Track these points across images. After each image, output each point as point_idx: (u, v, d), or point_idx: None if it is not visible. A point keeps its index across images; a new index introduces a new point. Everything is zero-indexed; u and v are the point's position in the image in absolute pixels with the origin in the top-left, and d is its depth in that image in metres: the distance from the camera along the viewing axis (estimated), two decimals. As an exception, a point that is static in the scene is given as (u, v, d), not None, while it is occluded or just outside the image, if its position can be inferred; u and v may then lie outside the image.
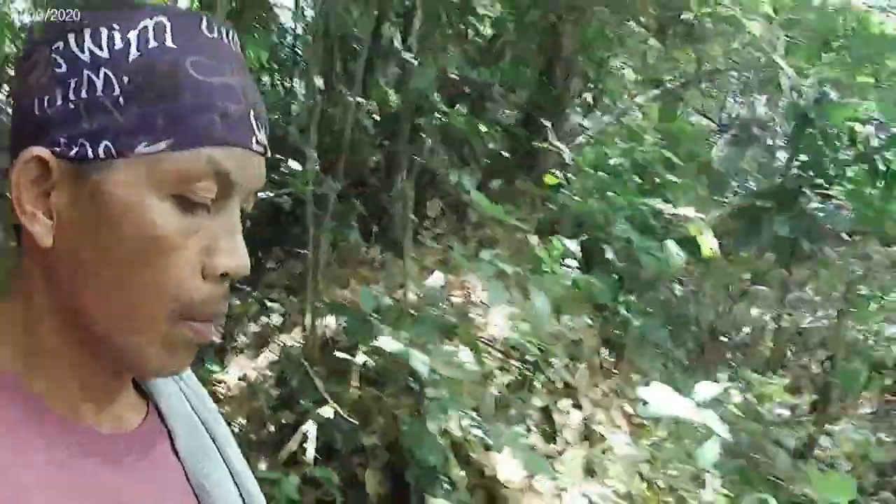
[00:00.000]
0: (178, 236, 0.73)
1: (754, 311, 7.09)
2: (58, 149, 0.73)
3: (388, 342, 3.55)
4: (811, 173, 5.97)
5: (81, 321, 0.76)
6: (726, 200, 5.93)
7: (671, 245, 4.41)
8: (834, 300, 6.40)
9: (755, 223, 5.63)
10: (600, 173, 5.10)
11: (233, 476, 0.92)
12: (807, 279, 6.93)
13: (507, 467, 4.14)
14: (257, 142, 0.76)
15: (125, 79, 0.73)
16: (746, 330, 6.77)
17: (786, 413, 8.67)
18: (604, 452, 4.58)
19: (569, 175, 5.07)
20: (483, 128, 4.90)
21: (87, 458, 0.76)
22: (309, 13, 5.96)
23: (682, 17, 5.34)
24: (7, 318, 0.78)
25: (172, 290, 0.74)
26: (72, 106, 0.73)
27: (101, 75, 0.73)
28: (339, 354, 3.90)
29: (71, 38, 0.74)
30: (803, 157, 6.07)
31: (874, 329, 9.20)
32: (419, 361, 3.46)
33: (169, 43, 0.73)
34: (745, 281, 6.14)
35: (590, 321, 5.45)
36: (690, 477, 4.64)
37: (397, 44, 5.63)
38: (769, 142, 5.91)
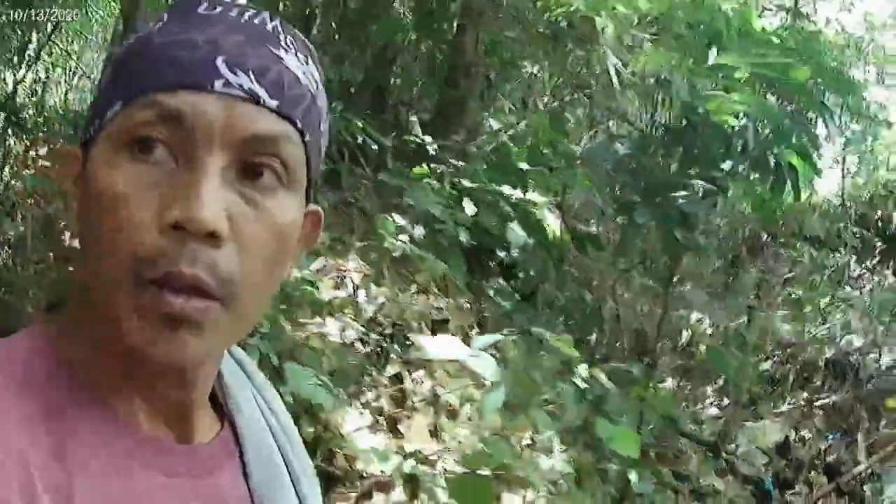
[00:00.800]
0: (133, 187, 0.71)
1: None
2: (84, 142, 0.79)
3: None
4: (696, 169, 6.23)
5: (95, 305, 0.76)
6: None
7: (514, 226, 4.74)
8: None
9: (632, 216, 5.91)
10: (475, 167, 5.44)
11: None
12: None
13: (351, 426, 4.48)
14: (226, 84, 0.73)
15: (113, 64, 0.78)
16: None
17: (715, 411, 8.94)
18: (449, 419, 4.89)
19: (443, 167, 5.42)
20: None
21: (138, 461, 0.75)
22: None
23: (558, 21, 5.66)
24: (79, 317, 0.79)
25: (128, 244, 0.71)
26: (93, 99, 0.81)
27: (109, 67, 0.79)
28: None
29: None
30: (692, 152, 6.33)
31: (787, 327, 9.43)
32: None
33: (159, 24, 0.77)
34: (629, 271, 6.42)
35: (468, 303, 5.81)
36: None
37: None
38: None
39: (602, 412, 4.06)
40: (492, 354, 3.71)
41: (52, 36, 9.53)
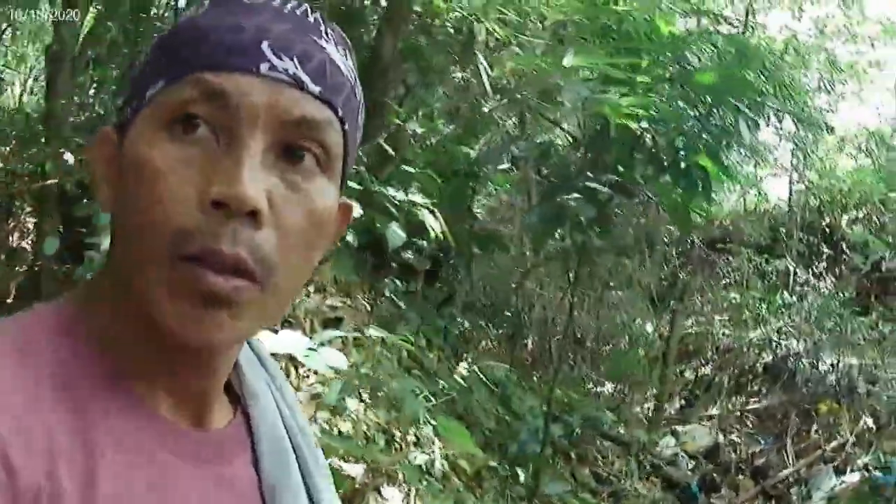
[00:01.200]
0: (174, 164, 0.71)
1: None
2: (120, 124, 0.79)
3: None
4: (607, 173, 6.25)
5: (124, 286, 0.75)
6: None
7: (394, 226, 4.79)
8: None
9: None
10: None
11: (311, 500, 0.89)
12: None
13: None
14: (272, 67, 0.73)
15: (157, 45, 0.79)
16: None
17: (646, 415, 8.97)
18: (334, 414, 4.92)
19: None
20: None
21: (160, 447, 0.75)
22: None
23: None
24: (96, 303, 0.78)
25: (168, 218, 0.70)
26: (131, 79, 0.81)
27: (151, 49, 0.80)
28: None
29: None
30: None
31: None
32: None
33: (203, 10, 0.78)
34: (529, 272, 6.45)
35: (367, 304, 5.84)
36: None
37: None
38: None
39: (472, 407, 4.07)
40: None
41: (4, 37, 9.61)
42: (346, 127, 0.78)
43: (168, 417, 0.77)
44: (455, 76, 6.97)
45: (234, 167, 0.70)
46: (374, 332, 4.28)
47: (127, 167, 0.74)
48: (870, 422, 8.18)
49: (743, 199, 11.77)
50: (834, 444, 8.08)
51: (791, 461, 8.06)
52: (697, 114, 6.30)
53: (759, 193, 11.72)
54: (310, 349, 3.67)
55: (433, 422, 4.10)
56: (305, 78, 0.74)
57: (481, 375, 5.40)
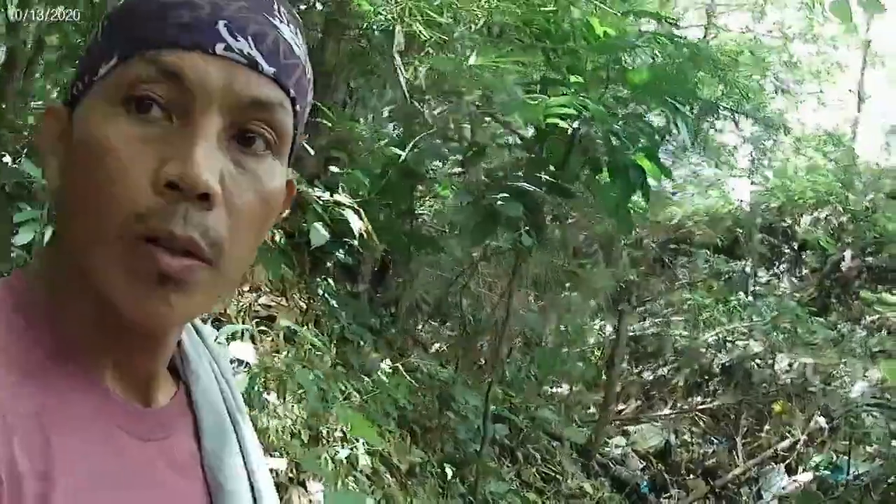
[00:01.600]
0: (128, 143, 0.70)
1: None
2: (70, 99, 0.78)
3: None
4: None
5: (75, 264, 0.74)
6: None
7: (318, 226, 4.82)
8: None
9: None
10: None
11: (249, 477, 0.89)
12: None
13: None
14: (227, 48, 0.73)
15: (109, 20, 0.77)
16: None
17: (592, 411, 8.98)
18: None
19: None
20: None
21: (114, 424, 0.75)
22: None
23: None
24: (39, 281, 0.77)
25: (121, 199, 0.70)
26: (82, 56, 0.80)
27: (102, 24, 0.78)
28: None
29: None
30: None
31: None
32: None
33: None
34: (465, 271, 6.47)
35: (302, 303, 5.86)
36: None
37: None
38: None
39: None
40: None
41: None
42: (297, 107, 0.79)
43: (119, 396, 0.76)
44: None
45: (188, 149, 0.70)
46: (284, 323, 4.31)
47: (78, 143, 0.73)
48: (822, 421, 8.22)
49: (718, 199, 11.78)
50: (785, 443, 8.12)
51: (742, 461, 8.09)
52: (629, 112, 6.33)
53: (720, 195, 11.75)
54: (217, 342, 3.70)
55: (338, 415, 4.12)
56: (260, 59, 0.74)
57: (405, 374, 5.41)
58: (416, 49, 5.58)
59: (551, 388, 8.87)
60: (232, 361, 3.89)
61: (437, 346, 8.52)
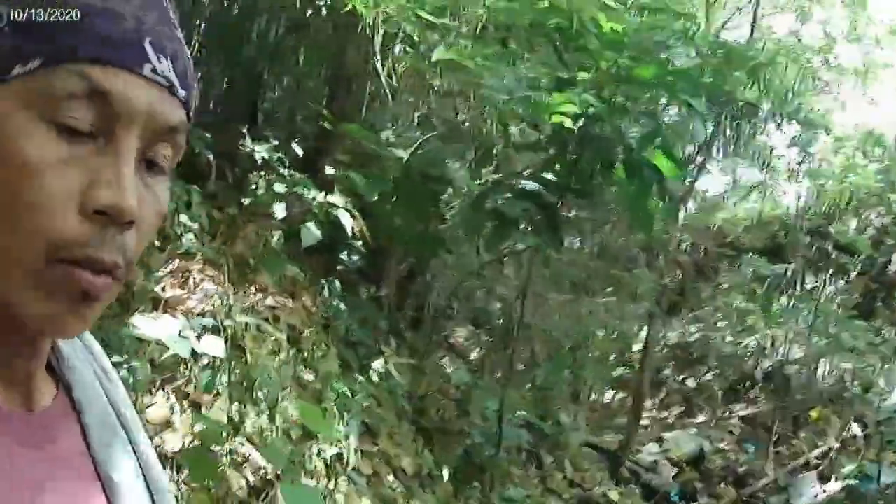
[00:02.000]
0: (52, 164, 0.68)
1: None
2: None
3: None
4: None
5: None
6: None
7: (310, 226, 4.90)
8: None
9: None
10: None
11: (141, 467, 0.89)
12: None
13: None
14: (154, 70, 0.72)
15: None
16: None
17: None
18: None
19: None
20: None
21: None
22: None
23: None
24: None
25: (43, 224, 0.68)
26: None
27: (12, 14, 0.71)
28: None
29: None
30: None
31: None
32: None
33: None
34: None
35: (311, 306, 5.92)
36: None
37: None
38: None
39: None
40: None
41: None
42: (190, 122, 0.78)
43: (1, 403, 0.74)
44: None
45: (116, 175, 0.69)
46: (241, 319, 4.37)
47: None
48: (857, 428, 7.98)
49: (761, 203, 11.54)
50: (819, 451, 7.90)
51: (773, 468, 7.89)
52: (643, 111, 6.24)
53: (766, 198, 11.51)
54: (182, 336, 3.77)
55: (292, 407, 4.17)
56: (176, 82, 0.74)
57: (395, 374, 5.42)
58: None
59: (590, 395, 8.80)
60: (202, 356, 3.95)
61: (476, 353, 8.51)
